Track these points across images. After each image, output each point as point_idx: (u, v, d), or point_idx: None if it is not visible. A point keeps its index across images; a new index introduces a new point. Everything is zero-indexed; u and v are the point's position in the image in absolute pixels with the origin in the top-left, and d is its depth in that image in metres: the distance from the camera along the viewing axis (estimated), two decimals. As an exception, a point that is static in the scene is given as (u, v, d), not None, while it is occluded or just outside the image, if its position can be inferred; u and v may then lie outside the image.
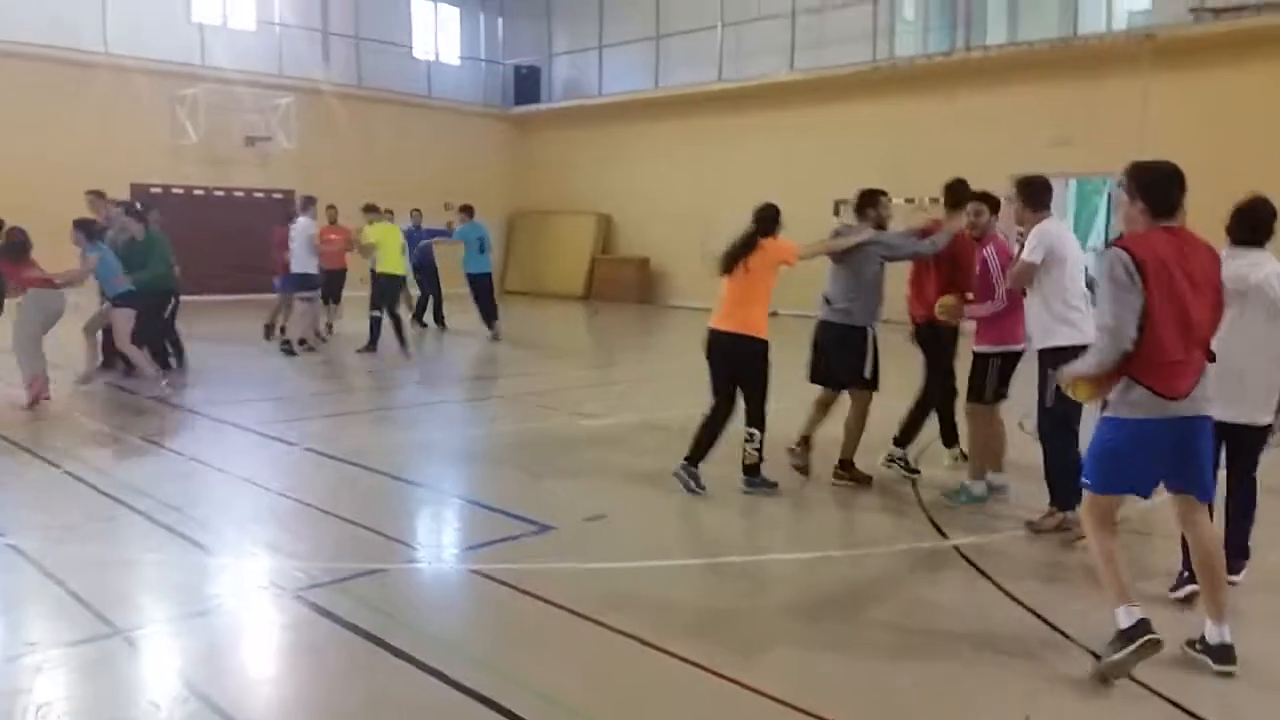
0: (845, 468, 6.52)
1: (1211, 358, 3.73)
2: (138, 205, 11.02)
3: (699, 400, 6.64)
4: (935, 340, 6.78)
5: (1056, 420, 5.30)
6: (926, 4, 19.08)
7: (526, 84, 25.21)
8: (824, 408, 6.77)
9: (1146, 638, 3.59)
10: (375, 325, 12.43)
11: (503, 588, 4.60)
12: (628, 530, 5.60)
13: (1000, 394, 6.10)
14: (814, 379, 6.85)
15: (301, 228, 12.41)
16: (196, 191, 18.72)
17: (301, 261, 12.27)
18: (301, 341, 12.34)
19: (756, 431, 6.22)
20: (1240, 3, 14.36)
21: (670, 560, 5.05)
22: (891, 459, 6.84)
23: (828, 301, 6.72)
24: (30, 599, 4.48)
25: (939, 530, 5.59)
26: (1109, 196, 17.37)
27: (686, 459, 6.29)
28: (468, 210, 15.32)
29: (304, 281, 12.36)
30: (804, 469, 6.64)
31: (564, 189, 24.66)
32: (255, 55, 20.78)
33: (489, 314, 14.42)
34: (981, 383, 6.05)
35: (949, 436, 7.10)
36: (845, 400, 6.66)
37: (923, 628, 4.27)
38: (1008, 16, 17.71)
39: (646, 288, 22.63)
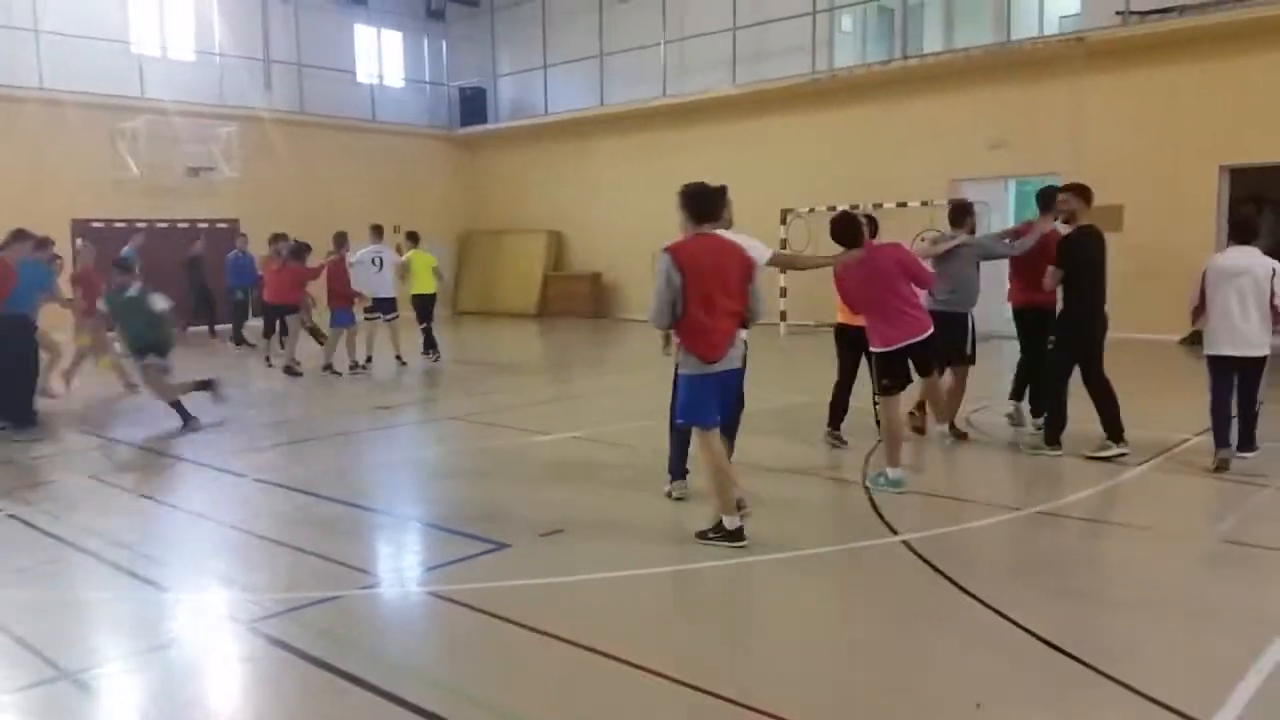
0: (951, 429, 8.02)
1: (745, 324, 5.48)
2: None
3: (651, 412, 6.70)
4: (1040, 322, 8.03)
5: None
6: (864, 15, 19.42)
7: (472, 105, 25.23)
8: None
9: (740, 542, 5.22)
10: (428, 334, 14.12)
11: (459, 608, 4.60)
12: (584, 544, 5.61)
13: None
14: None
15: (379, 257, 13.66)
16: (139, 224, 18.43)
17: (388, 287, 13.66)
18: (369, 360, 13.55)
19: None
20: (1166, 5, 14.81)
21: (630, 570, 5.06)
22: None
23: (931, 295, 7.55)
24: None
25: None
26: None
27: (830, 425, 7.96)
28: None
29: (389, 305, 13.70)
30: (920, 429, 8.23)
31: (514, 208, 24.70)
32: (196, 85, 20.62)
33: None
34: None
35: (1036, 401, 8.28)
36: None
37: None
38: (943, 25, 18.09)
39: (599, 302, 22.71)
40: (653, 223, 21.12)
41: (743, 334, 5.71)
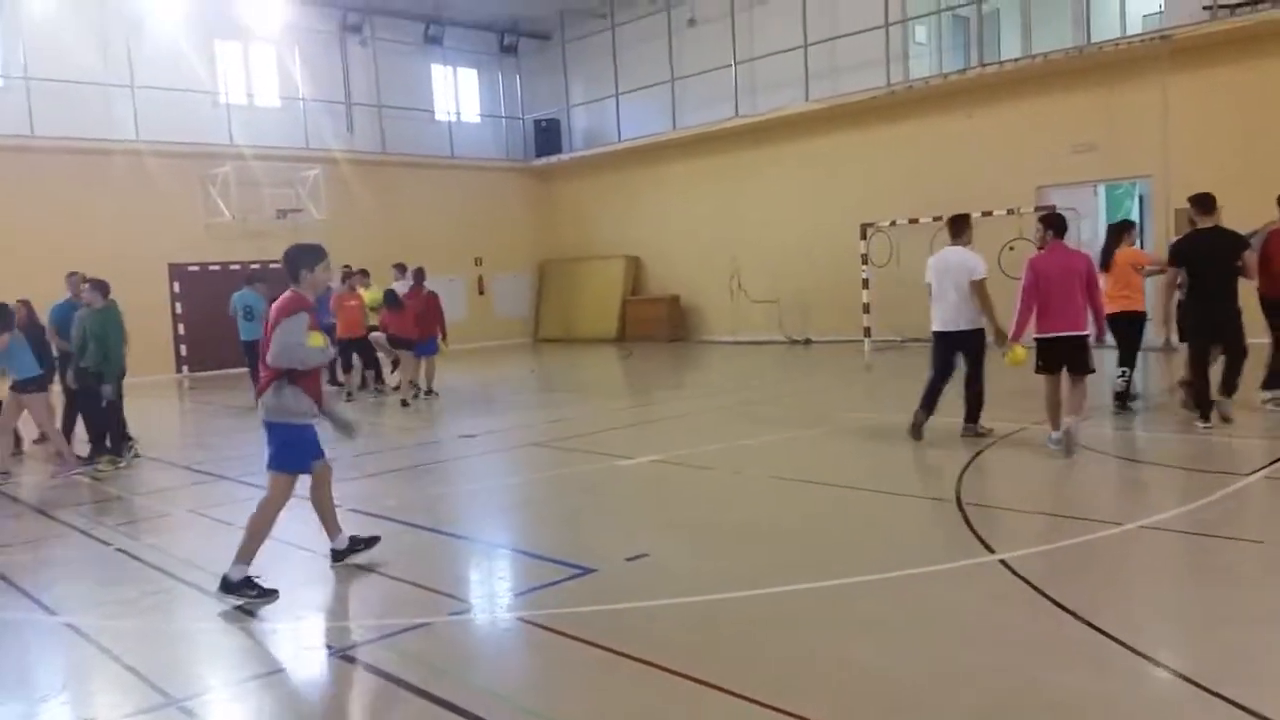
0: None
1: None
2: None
3: (728, 435, 6.65)
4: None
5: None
6: (939, 25, 19.15)
7: (547, 136, 25.64)
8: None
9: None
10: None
11: (547, 633, 4.60)
12: (670, 568, 5.58)
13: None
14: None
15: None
16: (233, 266, 19.15)
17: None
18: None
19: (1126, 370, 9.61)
20: (1250, -2, 14.30)
21: (717, 594, 5.01)
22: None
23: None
24: (87, 675, 4.57)
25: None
26: (1140, 198, 17.21)
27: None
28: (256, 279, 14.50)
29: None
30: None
31: (590, 235, 24.95)
32: (281, 131, 21.38)
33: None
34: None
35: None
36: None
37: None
38: (1021, 30, 17.72)
39: (678, 325, 22.75)
40: (728, 243, 21.33)
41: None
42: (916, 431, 8.73)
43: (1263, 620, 4.35)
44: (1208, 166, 13.93)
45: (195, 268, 19.72)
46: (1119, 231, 9.97)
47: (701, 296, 22.54)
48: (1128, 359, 9.63)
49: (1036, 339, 8.06)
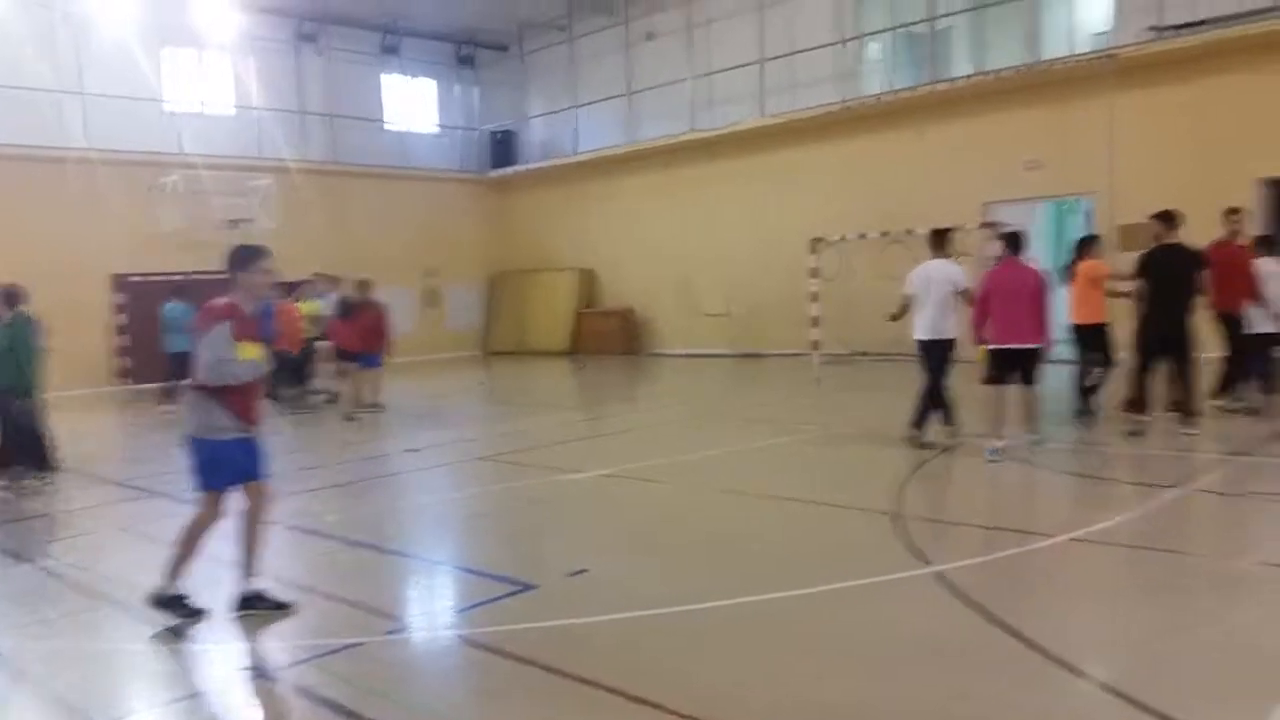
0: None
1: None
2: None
3: (678, 449, 6.63)
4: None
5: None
6: (892, 42, 19.39)
7: (503, 148, 25.58)
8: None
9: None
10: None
11: (483, 651, 4.55)
12: (611, 583, 5.54)
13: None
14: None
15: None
16: (176, 277, 18.81)
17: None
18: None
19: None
20: (1198, 17, 14.61)
21: (656, 609, 4.98)
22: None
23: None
24: (7, 699, 4.42)
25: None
26: (1086, 215, 17.49)
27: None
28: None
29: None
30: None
31: (545, 247, 24.89)
32: (232, 139, 21.08)
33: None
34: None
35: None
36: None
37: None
38: (971, 48, 18.00)
39: (631, 338, 22.74)
40: (684, 256, 21.38)
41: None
42: (920, 441, 8.89)
43: (1185, 630, 4.44)
44: (1151, 184, 14.19)
45: (138, 277, 19.32)
46: (1084, 246, 10.27)
47: (655, 310, 22.55)
48: (1103, 360, 9.96)
49: (990, 350, 8.36)
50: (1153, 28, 15.04)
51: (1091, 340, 9.97)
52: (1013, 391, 8.47)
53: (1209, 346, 9.52)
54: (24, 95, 18.07)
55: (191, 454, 5.13)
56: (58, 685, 4.44)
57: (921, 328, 8.93)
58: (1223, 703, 3.65)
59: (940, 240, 9.10)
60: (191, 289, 14.20)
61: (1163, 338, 8.86)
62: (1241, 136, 14.24)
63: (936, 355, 8.86)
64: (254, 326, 5.09)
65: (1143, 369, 9.01)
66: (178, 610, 5.02)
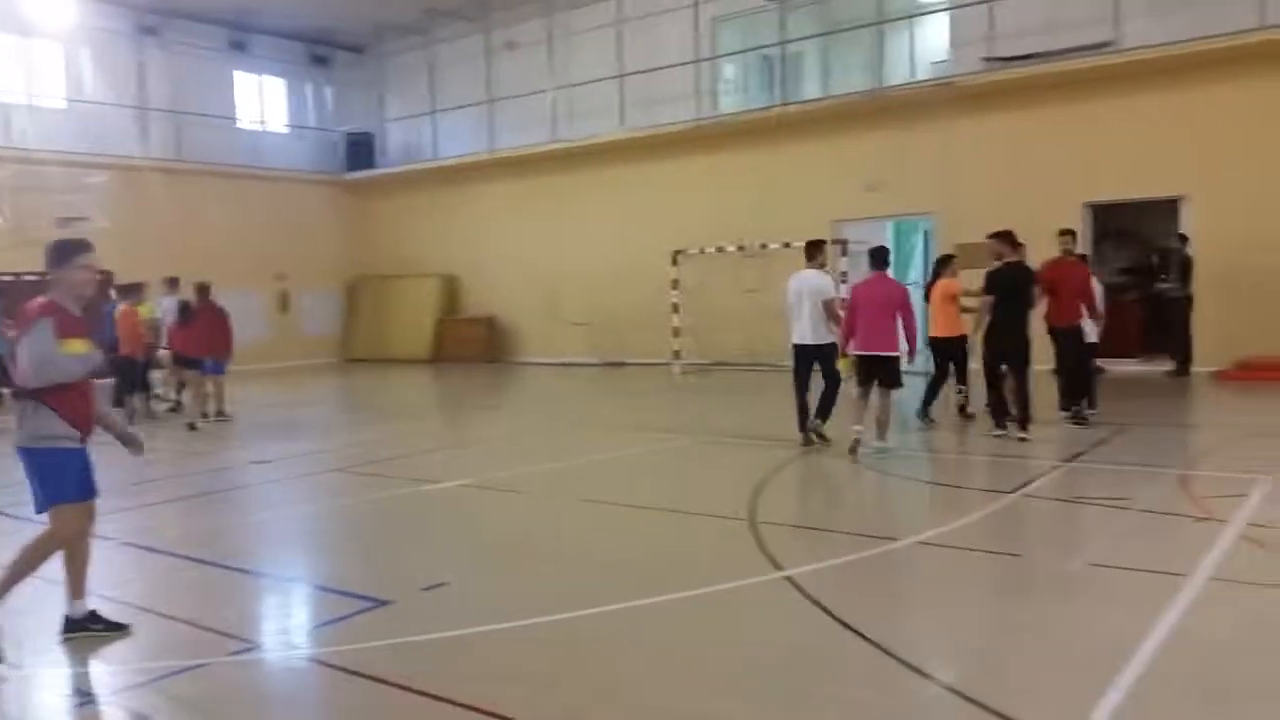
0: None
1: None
2: None
3: (540, 458, 6.65)
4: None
5: None
6: (745, 64, 19.98)
7: (360, 150, 24.99)
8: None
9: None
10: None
11: (334, 671, 4.44)
12: (470, 596, 5.50)
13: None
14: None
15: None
16: (5, 277, 17.56)
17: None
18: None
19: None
20: (1027, 51, 15.66)
21: (515, 621, 4.97)
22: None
23: None
24: None
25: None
26: (925, 234, 18.43)
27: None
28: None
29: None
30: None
31: (406, 252, 24.46)
32: (66, 133, 19.84)
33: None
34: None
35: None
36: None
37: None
38: (820, 73, 18.73)
39: (494, 346, 22.59)
40: (546, 265, 21.39)
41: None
42: (811, 438, 9.52)
43: (1022, 629, 4.72)
44: (985, 205, 15.12)
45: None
46: (941, 265, 11.19)
47: (519, 317, 22.47)
48: (960, 376, 10.85)
49: (855, 355, 9.14)
50: (986, 58, 16.03)
51: (946, 352, 10.80)
52: (872, 396, 9.15)
53: (1042, 359, 10.25)
54: None
55: (30, 467, 4.72)
56: None
57: (795, 333, 9.58)
58: (1056, 698, 3.88)
59: (814, 251, 9.77)
60: (11, 292, 13.29)
61: (1009, 348, 9.65)
62: (1068, 162, 15.35)
63: (810, 358, 9.51)
64: (80, 324, 4.76)
65: (993, 377, 9.80)
66: (95, 627, 4.78)
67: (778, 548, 6.10)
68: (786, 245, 16.59)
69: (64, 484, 4.74)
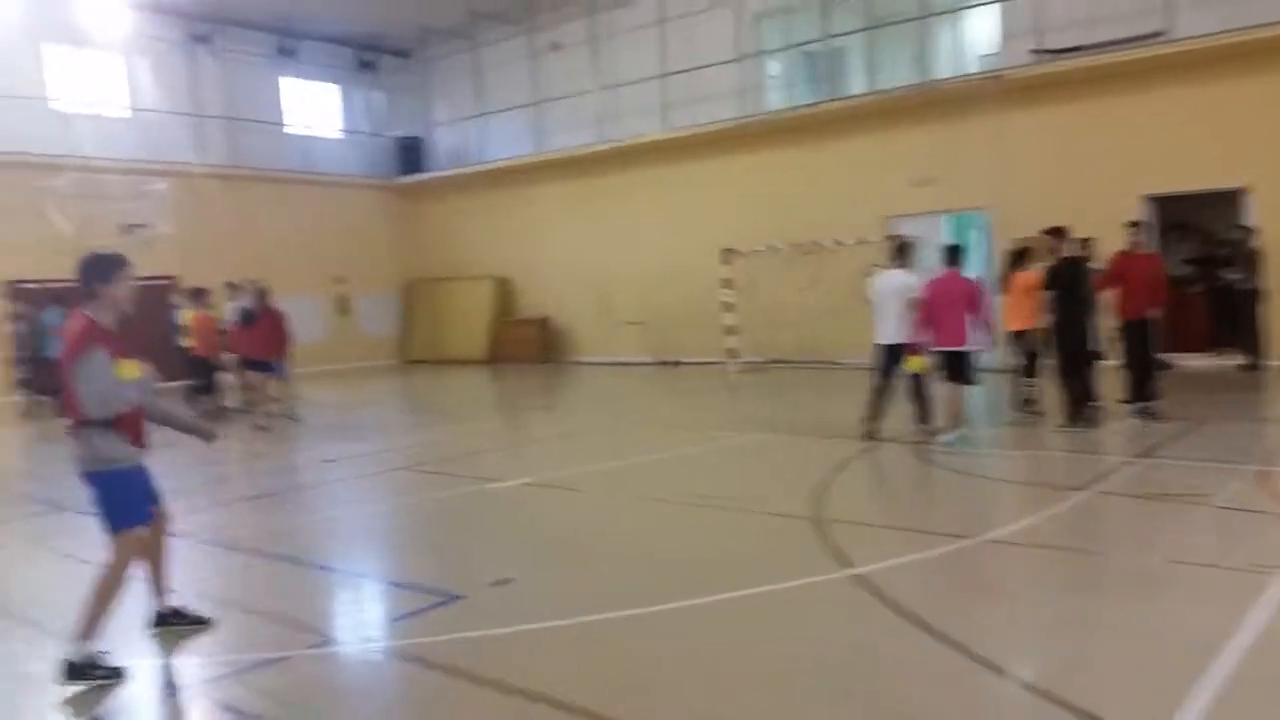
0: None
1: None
2: None
3: (598, 457, 6.71)
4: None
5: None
6: (790, 60, 19.90)
7: (410, 154, 25.29)
8: None
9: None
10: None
11: (410, 663, 4.55)
12: (537, 592, 5.58)
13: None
14: None
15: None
16: (73, 284, 18.03)
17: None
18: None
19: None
20: (1077, 43, 15.42)
21: (581, 617, 5.04)
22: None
23: None
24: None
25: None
26: (980, 230, 18.21)
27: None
28: None
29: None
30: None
31: (458, 255, 24.71)
32: (126, 142, 20.32)
33: None
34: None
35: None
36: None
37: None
38: (866, 67, 18.59)
39: (548, 346, 22.72)
40: (597, 265, 21.48)
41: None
42: (870, 435, 9.58)
43: (1103, 627, 4.63)
44: (1040, 199, 14.91)
45: (33, 284, 18.45)
46: (1019, 258, 10.90)
47: (572, 318, 22.59)
48: (1031, 370, 10.67)
49: (931, 352, 9.34)
50: (1035, 50, 15.81)
51: (1030, 344, 10.65)
52: (946, 390, 9.39)
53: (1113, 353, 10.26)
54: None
55: (98, 492, 4.62)
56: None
57: (881, 332, 9.70)
58: (1140, 697, 3.82)
59: (902, 251, 9.92)
60: (72, 296, 13.62)
61: (1066, 344, 9.71)
62: (1124, 155, 15.07)
63: (895, 357, 9.59)
64: (121, 343, 4.65)
65: (1062, 371, 9.87)
66: (96, 673, 4.45)
67: (843, 545, 6.08)
68: (839, 243, 16.55)
69: (132, 506, 4.70)
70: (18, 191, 18.25)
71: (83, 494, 4.75)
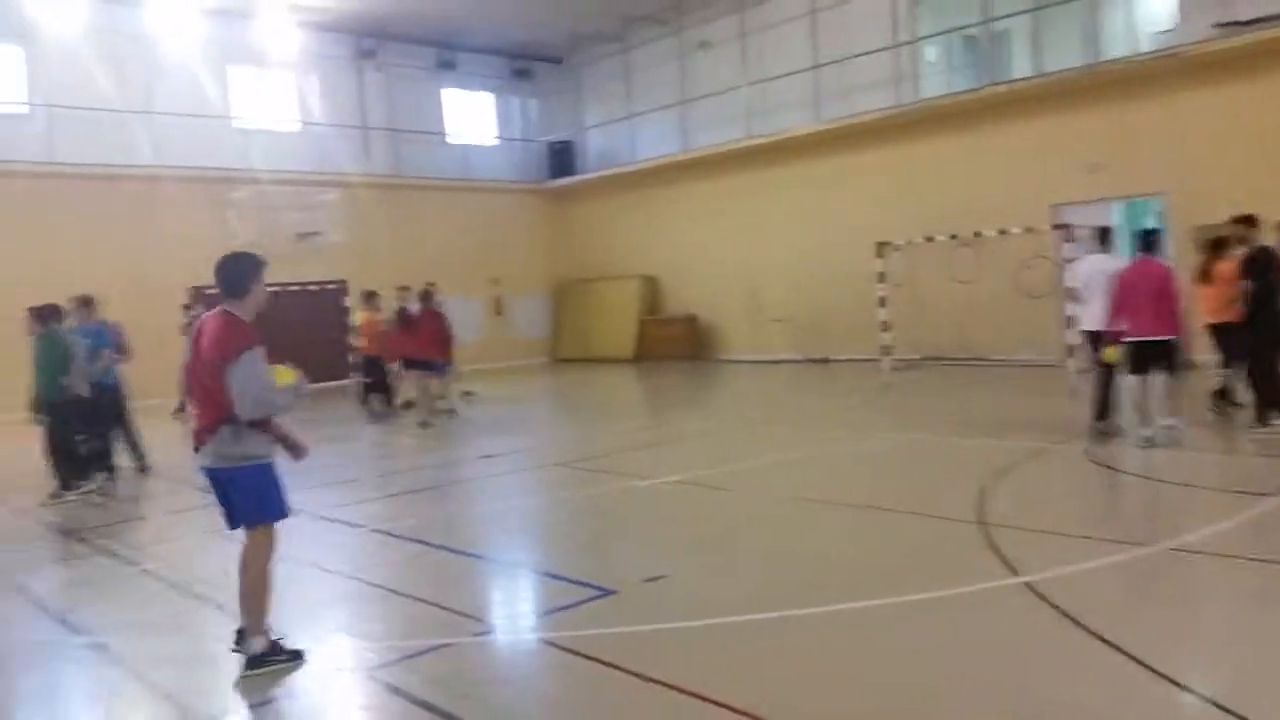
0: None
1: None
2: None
3: (747, 455, 6.66)
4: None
5: None
6: (949, 44, 19.22)
7: (561, 158, 25.83)
8: None
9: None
10: None
11: (568, 655, 4.62)
12: (689, 589, 5.58)
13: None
14: None
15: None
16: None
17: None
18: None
19: None
20: (1266, 13, 14.24)
21: (735, 616, 5.01)
22: None
23: None
24: (114, 695, 4.61)
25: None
26: (1156, 216, 17.16)
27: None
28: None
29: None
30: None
31: (606, 255, 25.06)
32: (297, 155, 21.58)
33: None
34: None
35: None
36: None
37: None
38: (1031, 49, 17.75)
39: (696, 344, 22.76)
40: (744, 262, 21.38)
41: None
42: (1104, 435, 9.19)
43: (1287, 641, 4.31)
44: (1224, 184, 13.89)
45: (215, 291, 19.82)
46: (1218, 246, 10.09)
47: (719, 315, 22.58)
48: (1228, 364, 10.04)
49: (1126, 342, 8.84)
50: (1218, 24, 14.70)
51: (1225, 340, 9.94)
52: (1134, 383, 8.93)
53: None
54: (95, 116, 18.65)
55: (242, 487, 4.62)
56: (161, 681, 4.61)
57: (1087, 319, 9.55)
58: None
59: (1106, 236, 9.77)
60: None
61: (1261, 336, 9.16)
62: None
63: (1095, 345, 9.40)
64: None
65: (1262, 366, 9.23)
66: (278, 659, 4.63)
67: (1010, 551, 5.81)
68: (1003, 232, 15.87)
69: (275, 499, 4.69)
70: (202, 203, 19.65)
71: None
